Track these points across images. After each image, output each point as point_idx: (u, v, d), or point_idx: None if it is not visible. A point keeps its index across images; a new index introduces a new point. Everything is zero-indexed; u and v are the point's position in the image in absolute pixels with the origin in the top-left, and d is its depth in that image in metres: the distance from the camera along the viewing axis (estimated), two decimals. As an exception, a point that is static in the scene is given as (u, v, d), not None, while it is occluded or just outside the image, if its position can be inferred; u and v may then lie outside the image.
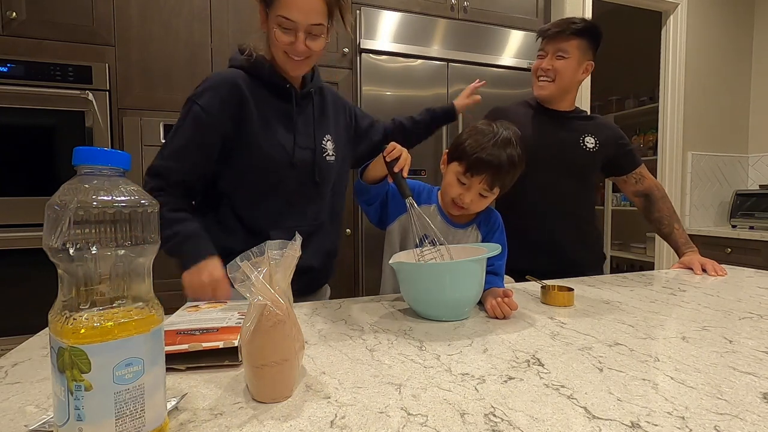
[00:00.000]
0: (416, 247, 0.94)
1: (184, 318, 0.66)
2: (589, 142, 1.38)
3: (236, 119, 0.94)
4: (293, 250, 0.52)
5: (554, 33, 1.32)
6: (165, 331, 0.56)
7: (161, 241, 0.43)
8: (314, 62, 1.00)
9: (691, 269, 1.31)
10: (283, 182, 0.97)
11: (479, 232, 1.04)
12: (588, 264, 1.37)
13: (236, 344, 0.57)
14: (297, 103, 1.01)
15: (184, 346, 0.56)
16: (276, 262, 0.50)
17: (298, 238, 0.53)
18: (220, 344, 0.57)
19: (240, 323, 0.62)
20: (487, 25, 2.32)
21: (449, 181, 0.98)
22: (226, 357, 0.57)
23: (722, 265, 1.30)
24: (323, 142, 1.05)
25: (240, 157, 0.95)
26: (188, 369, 0.57)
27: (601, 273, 1.37)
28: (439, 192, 1.05)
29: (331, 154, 1.06)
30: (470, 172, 0.94)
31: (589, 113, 1.49)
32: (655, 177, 3.08)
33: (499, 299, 0.80)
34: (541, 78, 1.35)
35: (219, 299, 0.82)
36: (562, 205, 1.36)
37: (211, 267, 0.85)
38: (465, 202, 0.95)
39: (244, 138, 0.94)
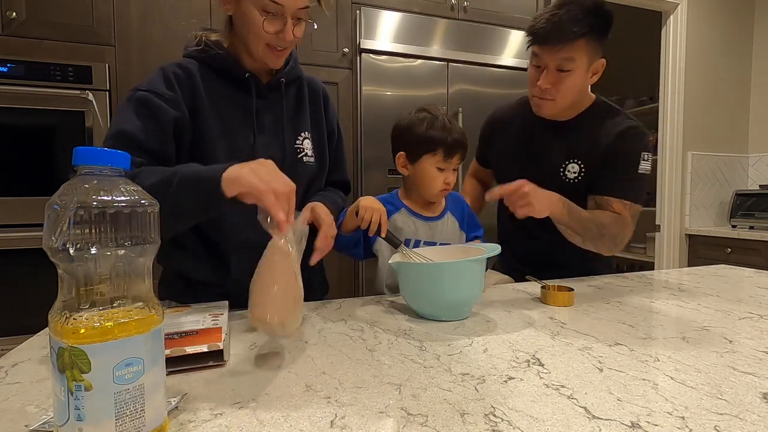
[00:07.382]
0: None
1: None
2: (572, 170, 1.12)
3: (188, 104, 0.83)
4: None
5: (554, 40, 0.99)
6: None
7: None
8: (291, 49, 0.91)
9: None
10: None
11: (455, 217, 1.06)
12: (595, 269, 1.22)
13: (221, 347, 0.56)
14: (261, 96, 0.90)
15: (166, 352, 0.52)
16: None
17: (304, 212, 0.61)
18: (205, 347, 0.55)
19: (216, 325, 0.62)
20: (487, 25, 2.32)
21: (429, 175, 0.98)
22: (210, 358, 0.56)
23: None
24: (298, 140, 0.93)
25: (193, 159, 0.82)
26: (171, 373, 0.53)
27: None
28: (401, 192, 1.06)
29: (309, 154, 0.95)
30: (449, 156, 0.98)
31: (612, 106, 1.15)
32: (655, 177, 3.09)
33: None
34: (538, 97, 1.08)
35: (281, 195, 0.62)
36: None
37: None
38: (450, 183, 1.00)
39: (197, 135, 0.83)
